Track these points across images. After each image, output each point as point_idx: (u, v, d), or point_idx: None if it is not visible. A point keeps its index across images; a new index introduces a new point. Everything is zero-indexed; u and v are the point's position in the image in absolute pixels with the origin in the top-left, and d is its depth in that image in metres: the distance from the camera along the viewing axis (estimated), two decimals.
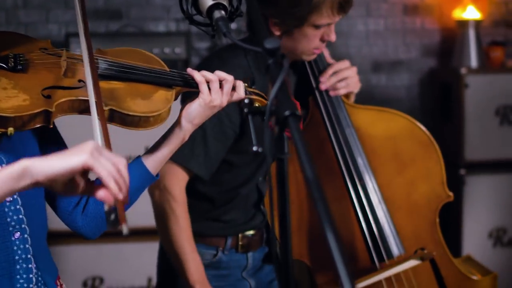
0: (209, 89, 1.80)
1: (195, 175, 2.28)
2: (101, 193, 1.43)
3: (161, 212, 2.29)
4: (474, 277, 2.63)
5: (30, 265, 1.71)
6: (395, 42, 4.50)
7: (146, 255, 3.68)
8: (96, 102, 1.60)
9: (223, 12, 1.66)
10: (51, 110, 1.61)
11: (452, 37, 4.42)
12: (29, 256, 1.71)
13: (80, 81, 1.69)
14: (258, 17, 1.52)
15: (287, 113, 1.25)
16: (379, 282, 2.53)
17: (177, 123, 1.82)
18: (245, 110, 1.42)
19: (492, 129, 4.16)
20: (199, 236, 2.35)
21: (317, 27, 2.25)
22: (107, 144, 1.54)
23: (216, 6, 1.67)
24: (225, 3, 1.70)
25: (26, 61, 1.69)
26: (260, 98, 1.89)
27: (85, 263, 3.73)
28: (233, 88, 1.82)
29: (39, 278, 1.73)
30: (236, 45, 1.64)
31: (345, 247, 2.60)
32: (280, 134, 1.30)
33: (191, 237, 2.32)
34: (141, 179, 1.82)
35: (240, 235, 2.44)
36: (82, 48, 1.68)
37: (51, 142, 1.78)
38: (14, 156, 1.67)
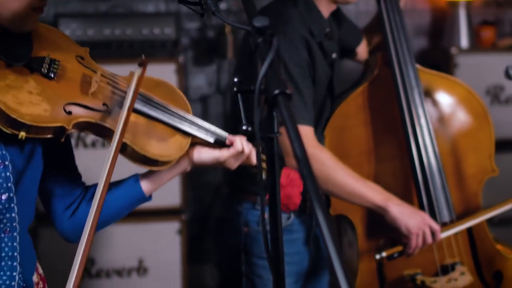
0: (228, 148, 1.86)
1: None
2: None
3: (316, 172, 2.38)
4: (509, 255, 2.66)
5: (15, 263, 1.71)
6: None
7: (137, 236, 3.68)
8: (118, 138, 1.64)
9: None
10: (67, 128, 1.63)
11: (442, 17, 4.41)
12: (15, 254, 1.71)
13: (104, 104, 1.71)
14: None
15: (276, 91, 1.25)
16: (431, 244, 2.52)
17: (185, 156, 1.84)
18: (235, 89, 1.41)
19: None
20: None
21: None
22: (111, 171, 1.58)
23: None
24: None
25: (60, 70, 1.70)
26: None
27: (75, 244, 3.72)
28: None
29: (20, 275, 1.73)
30: None
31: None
32: (269, 113, 1.29)
33: (349, 171, 2.37)
34: (133, 199, 1.84)
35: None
36: (128, 90, 1.73)
37: (58, 147, 1.76)
38: (18, 154, 1.67)
